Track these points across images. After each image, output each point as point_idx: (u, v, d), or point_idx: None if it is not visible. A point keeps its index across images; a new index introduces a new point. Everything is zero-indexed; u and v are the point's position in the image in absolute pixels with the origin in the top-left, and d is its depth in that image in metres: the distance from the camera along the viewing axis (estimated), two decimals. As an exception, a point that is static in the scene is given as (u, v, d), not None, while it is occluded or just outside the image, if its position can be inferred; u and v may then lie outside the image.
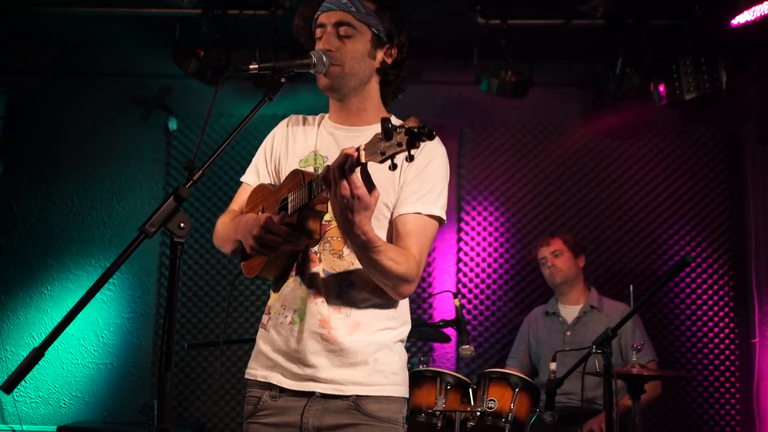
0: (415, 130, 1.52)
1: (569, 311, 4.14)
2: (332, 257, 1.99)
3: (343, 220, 1.76)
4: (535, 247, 4.32)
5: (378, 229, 1.94)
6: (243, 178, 2.21)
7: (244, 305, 4.76)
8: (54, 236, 4.89)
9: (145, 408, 4.43)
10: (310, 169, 2.02)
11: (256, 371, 2.05)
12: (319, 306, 1.97)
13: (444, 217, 2.03)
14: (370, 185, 1.69)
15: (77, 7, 4.38)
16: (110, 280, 2.03)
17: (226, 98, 4.70)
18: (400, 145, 1.54)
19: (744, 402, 4.61)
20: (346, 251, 1.98)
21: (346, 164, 1.64)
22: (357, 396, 1.96)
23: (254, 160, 2.21)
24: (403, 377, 2.06)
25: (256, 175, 2.18)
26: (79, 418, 4.67)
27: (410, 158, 1.55)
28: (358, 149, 1.62)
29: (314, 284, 1.99)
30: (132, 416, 4.52)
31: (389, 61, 2.09)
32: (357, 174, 1.67)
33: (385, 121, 1.55)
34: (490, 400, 3.15)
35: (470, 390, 3.18)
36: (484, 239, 4.83)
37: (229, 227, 2.09)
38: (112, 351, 4.77)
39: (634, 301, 3.23)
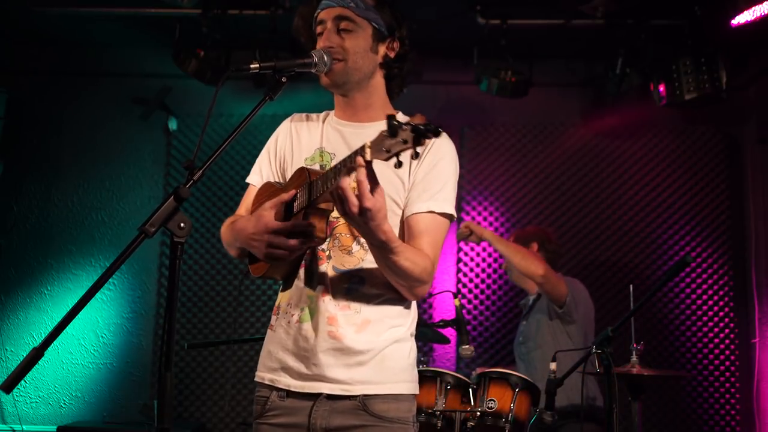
0: (421, 127, 1.50)
1: (527, 301, 4.16)
2: (341, 254, 1.96)
3: (362, 231, 1.76)
4: None
5: None
6: (248, 179, 2.16)
7: (246, 305, 4.77)
8: (54, 236, 4.89)
9: (145, 408, 4.43)
10: (316, 167, 1.98)
11: (263, 374, 2.02)
12: (326, 304, 1.93)
13: (455, 215, 2.03)
14: (374, 183, 1.65)
15: (77, 7, 4.38)
16: (110, 280, 2.03)
17: (226, 98, 4.70)
18: (405, 142, 1.51)
19: (744, 402, 4.61)
20: (355, 247, 1.96)
21: (342, 182, 1.62)
22: (364, 396, 1.92)
23: (258, 160, 2.17)
24: (412, 373, 2.02)
25: (260, 175, 2.13)
26: (79, 418, 4.67)
27: (416, 155, 1.52)
28: (363, 147, 1.59)
29: (322, 282, 1.95)
30: (132, 416, 4.52)
31: (392, 54, 2.07)
32: (364, 186, 1.63)
33: (390, 118, 1.52)
34: (490, 400, 3.14)
35: (470, 390, 3.18)
36: (484, 239, 4.83)
37: (230, 234, 2.05)
38: (112, 351, 4.77)
39: (634, 301, 3.22)
